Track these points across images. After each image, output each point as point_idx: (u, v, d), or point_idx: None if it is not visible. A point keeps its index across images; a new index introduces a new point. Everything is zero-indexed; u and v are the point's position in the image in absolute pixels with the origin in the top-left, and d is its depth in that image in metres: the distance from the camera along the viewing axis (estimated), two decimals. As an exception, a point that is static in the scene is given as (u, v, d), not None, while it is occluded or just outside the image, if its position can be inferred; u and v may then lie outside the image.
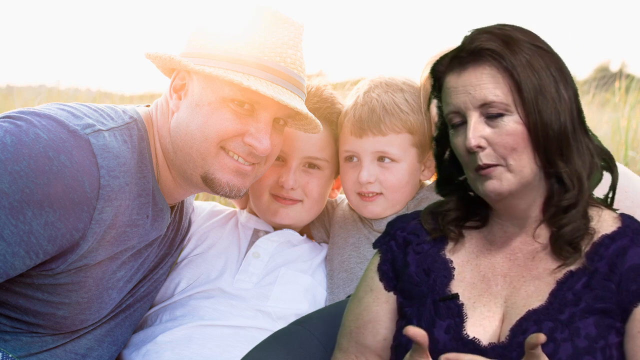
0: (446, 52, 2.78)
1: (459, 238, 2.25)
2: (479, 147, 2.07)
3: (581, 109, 2.14)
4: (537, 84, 2.05)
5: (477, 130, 2.07)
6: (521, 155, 2.06)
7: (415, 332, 1.90)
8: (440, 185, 2.29)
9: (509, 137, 2.05)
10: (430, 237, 2.27)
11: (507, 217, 2.17)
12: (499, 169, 2.07)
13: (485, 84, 2.06)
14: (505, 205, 2.15)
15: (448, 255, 2.23)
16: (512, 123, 2.05)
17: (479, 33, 2.10)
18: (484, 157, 2.07)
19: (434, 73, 2.18)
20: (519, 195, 2.11)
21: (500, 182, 2.08)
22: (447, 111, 2.14)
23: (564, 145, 2.06)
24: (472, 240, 2.24)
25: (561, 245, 2.09)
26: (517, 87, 2.05)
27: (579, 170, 2.08)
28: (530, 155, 2.07)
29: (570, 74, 2.13)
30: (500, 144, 2.06)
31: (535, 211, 2.14)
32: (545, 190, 2.12)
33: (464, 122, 2.10)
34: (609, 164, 2.19)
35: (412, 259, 2.25)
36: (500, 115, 2.06)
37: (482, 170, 2.08)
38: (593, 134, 2.18)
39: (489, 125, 2.07)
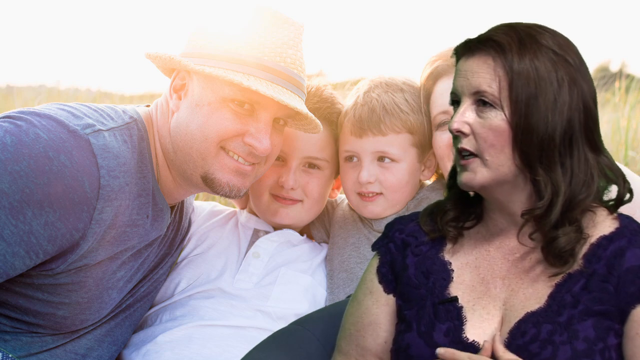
0: (446, 52, 2.80)
1: (457, 238, 2.24)
2: (460, 131, 2.08)
3: (591, 126, 2.09)
4: (533, 88, 2.03)
5: (463, 116, 2.09)
6: (499, 153, 2.06)
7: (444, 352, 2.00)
8: (450, 177, 2.29)
9: (490, 132, 2.06)
10: (429, 237, 2.26)
11: (497, 209, 2.17)
12: (476, 162, 2.08)
13: (483, 74, 2.07)
14: (486, 195, 2.16)
15: (447, 257, 2.23)
16: (498, 119, 2.05)
17: (503, 26, 2.11)
18: (464, 142, 2.09)
19: (455, 54, 2.18)
20: (494, 189, 2.11)
21: (475, 174, 2.09)
22: (451, 91, 2.16)
23: (545, 153, 2.04)
24: (470, 242, 2.24)
25: (552, 259, 2.08)
26: (509, 84, 2.05)
27: (558, 181, 2.05)
28: (508, 154, 2.06)
29: (587, 91, 2.08)
30: (481, 136, 2.07)
31: (519, 209, 2.12)
32: (530, 192, 2.10)
33: (459, 104, 2.12)
34: (622, 182, 2.14)
35: (410, 261, 2.25)
36: (491, 106, 2.06)
37: (462, 160, 2.10)
38: (606, 151, 2.13)
39: (477, 114, 2.08)
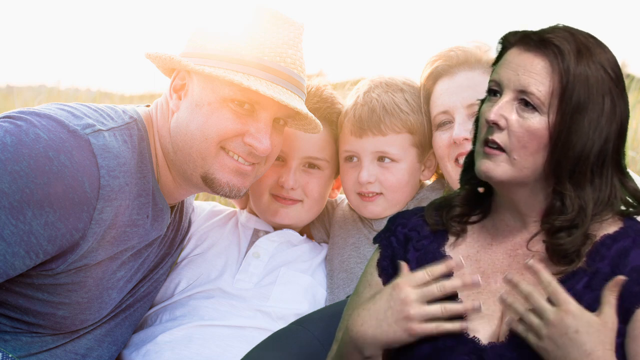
0: (446, 52, 2.80)
1: (460, 233, 2.24)
2: (496, 123, 2.05)
3: (620, 150, 2.09)
4: (583, 101, 2.01)
5: (502, 109, 2.05)
6: (529, 155, 2.04)
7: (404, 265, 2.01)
8: (463, 171, 2.27)
9: (526, 133, 2.03)
10: (429, 228, 2.26)
11: (508, 207, 2.16)
12: (503, 156, 2.06)
13: (534, 74, 2.04)
14: (502, 192, 2.14)
15: (448, 252, 2.22)
16: (538, 123, 2.03)
17: (562, 29, 2.08)
18: (496, 136, 2.05)
19: (503, 42, 2.15)
20: (511, 188, 2.10)
21: (496, 166, 2.06)
22: (491, 77, 2.12)
23: (578, 169, 2.03)
24: (473, 235, 2.23)
25: (556, 259, 2.08)
26: (561, 93, 2.02)
27: (587, 200, 2.04)
28: (538, 160, 2.05)
29: (624, 113, 2.08)
30: (515, 134, 2.04)
31: (533, 213, 2.12)
32: (547, 200, 2.10)
33: (499, 95, 2.08)
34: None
35: (412, 256, 2.24)
36: (533, 109, 2.04)
37: (488, 148, 2.07)
38: (631, 177, 2.13)
39: (518, 111, 2.05)
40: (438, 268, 2.06)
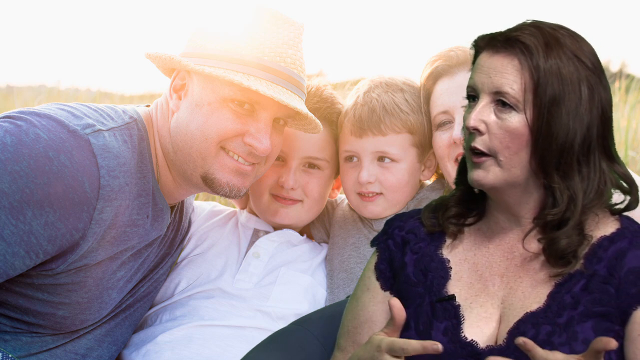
0: (446, 52, 2.80)
1: (457, 234, 2.24)
2: (476, 129, 2.06)
3: (607, 135, 2.09)
4: (558, 93, 2.01)
5: (480, 114, 2.06)
6: (513, 155, 2.05)
7: (395, 305, 1.99)
8: (458, 173, 2.27)
9: (507, 134, 2.04)
10: (426, 230, 2.26)
11: (502, 210, 2.16)
12: (490, 161, 2.06)
13: (506, 74, 2.04)
14: (495, 196, 2.15)
15: (445, 254, 2.22)
16: (517, 122, 2.04)
17: (529, 25, 2.08)
18: (478, 142, 2.06)
19: (475, 46, 2.16)
20: (504, 191, 2.10)
21: (487, 173, 2.07)
22: (468, 83, 2.13)
23: (564, 160, 2.03)
24: (470, 237, 2.23)
25: (553, 260, 2.07)
26: (534, 89, 2.03)
27: (576, 190, 2.04)
28: (524, 158, 2.05)
29: (605, 98, 2.07)
30: (496, 136, 2.05)
31: (527, 213, 2.12)
32: (541, 197, 2.10)
33: (477, 100, 2.09)
34: (635, 191, 2.12)
35: (409, 259, 2.24)
36: (510, 108, 2.04)
37: (474, 157, 2.08)
38: (619, 160, 2.13)
39: (496, 113, 2.05)
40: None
